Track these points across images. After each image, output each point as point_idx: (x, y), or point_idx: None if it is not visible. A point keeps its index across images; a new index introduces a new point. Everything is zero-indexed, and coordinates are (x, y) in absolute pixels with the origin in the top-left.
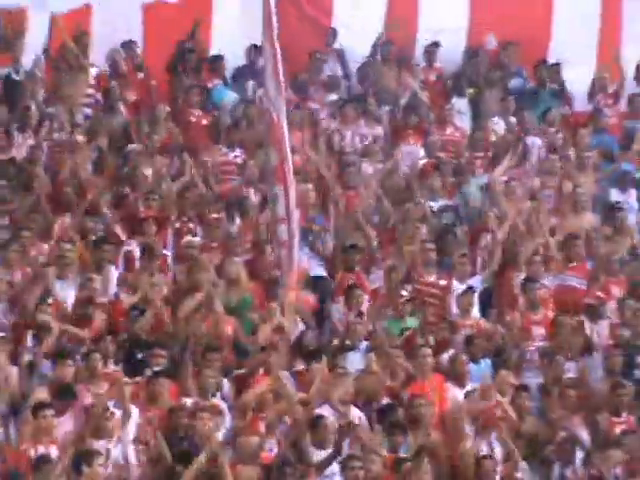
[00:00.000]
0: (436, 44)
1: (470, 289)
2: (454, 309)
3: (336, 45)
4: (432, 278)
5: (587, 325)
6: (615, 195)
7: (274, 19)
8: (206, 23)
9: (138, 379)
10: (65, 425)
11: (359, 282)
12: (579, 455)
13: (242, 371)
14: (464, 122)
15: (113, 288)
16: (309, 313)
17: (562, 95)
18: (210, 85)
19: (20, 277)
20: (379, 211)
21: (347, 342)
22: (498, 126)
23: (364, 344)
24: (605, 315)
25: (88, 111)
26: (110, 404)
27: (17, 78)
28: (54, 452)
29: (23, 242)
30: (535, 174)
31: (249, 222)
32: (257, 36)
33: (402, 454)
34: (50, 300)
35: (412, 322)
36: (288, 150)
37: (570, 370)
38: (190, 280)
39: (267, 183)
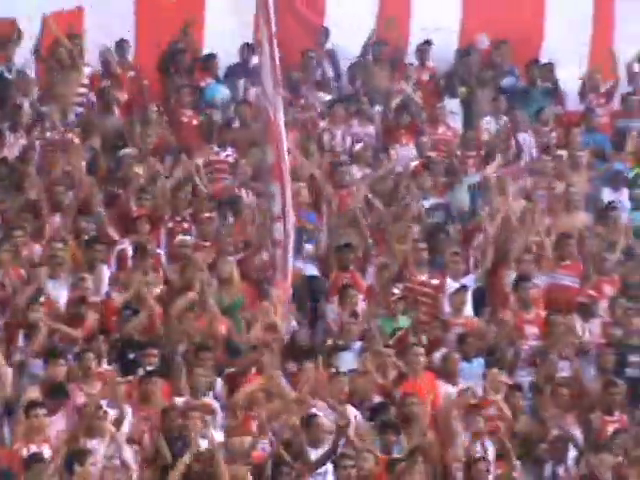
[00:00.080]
0: (428, 43)
1: (463, 288)
2: (446, 308)
3: (328, 45)
4: (424, 277)
5: (579, 324)
6: (607, 194)
7: (272, 17)
8: (199, 21)
9: (130, 378)
10: (57, 424)
11: (354, 281)
12: (571, 454)
13: (234, 370)
14: (456, 122)
15: (105, 287)
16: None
17: (554, 94)
18: (203, 84)
19: (12, 277)
20: (370, 211)
21: (340, 342)
22: (490, 125)
23: (358, 344)
24: (597, 314)
25: (80, 110)
26: (103, 403)
27: (9, 77)
28: (46, 451)
29: (15, 242)
30: (528, 174)
31: (242, 221)
32: (249, 34)
33: (395, 454)
34: (42, 299)
35: (404, 321)
36: (285, 148)
37: (563, 369)
38: (183, 279)
39: (263, 181)
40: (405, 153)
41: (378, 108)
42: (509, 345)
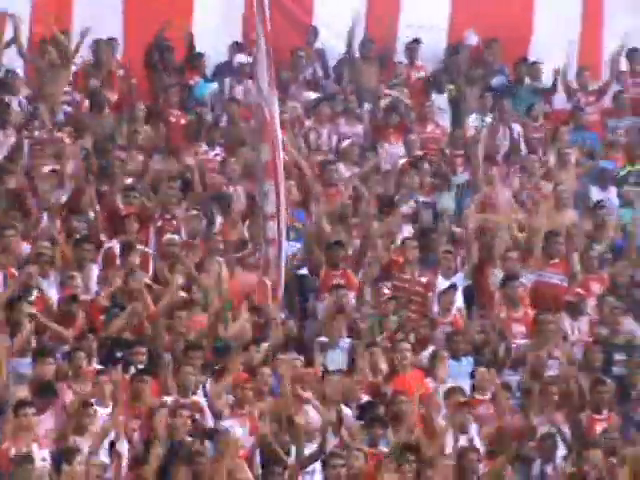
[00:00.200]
0: (417, 42)
1: (452, 287)
2: (435, 306)
3: (317, 44)
4: (414, 275)
5: (567, 322)
6: (595, 193)
7: (267, 14)
8: (187, 19)
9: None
10: (46, 423)
11: (345, 279)
12: (560, 453)
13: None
14: (445, 119)
15: (94, 286)
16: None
17: (543, 92)
18: (192, 82)
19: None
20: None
21: (326, 339)
22: (476, 123)
23: (346, 342)
24: (585, 312)
25: (68, 109)
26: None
27: None
28: (35, 450)
29: (7, 241)
30: (515, 173)
31: (231, 220)
32: (238, 32)
33: (382, 447)
34: (34, 297)
35: (394, 321)
36: (280, 146)
37: (552, 367)
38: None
39: (257, 180)
40: (394, 151)
41: (367, 107)
42: (497, 343)
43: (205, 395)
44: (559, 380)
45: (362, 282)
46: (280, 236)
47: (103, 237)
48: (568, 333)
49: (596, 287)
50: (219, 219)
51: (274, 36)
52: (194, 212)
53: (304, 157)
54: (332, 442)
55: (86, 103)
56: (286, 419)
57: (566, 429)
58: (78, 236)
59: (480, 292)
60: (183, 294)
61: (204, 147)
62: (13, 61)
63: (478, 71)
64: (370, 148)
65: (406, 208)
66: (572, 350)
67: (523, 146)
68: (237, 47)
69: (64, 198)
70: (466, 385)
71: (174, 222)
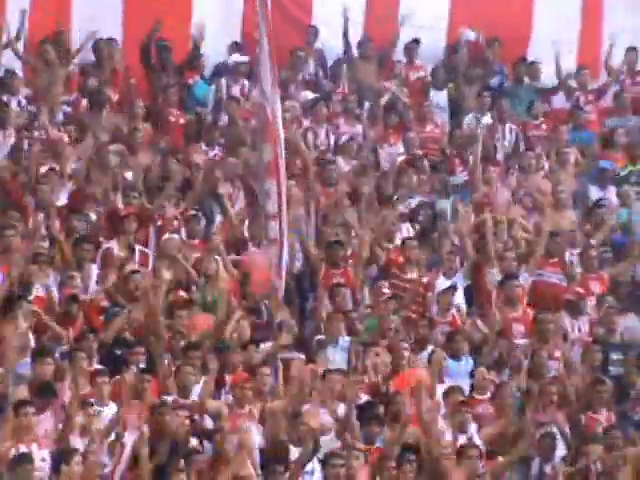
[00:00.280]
0: (417, 42)
1: (452, 288)
2: (435, 306)
3: (317, 44)
4: (414, 275)
5: (567, 320)
6: (594, 192)
7: (270, 14)
8: (186, 18)
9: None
10: (45, 423)
11: (346, 278)
12: (559, 452)
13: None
14: (444, 118)
15: (93, 286)
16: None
17: (542, 92)
18: (191, 81)
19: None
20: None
21: (324, 337)
22: (472, 122)
23: (346, 340)
24: (585, 311)
25: (67, 109)
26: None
27: None
28: (35, 450)
29: (7, 241)
30: (512, 171)
31: (229, 219)
32: (237, 33)
33: (378, 445)
34: (33, 296)
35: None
36: (282, 146)
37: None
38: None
39: (258, 179)
40: (391, 151)
41: (366, 106)
42: (496, 343)
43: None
44: (557, 381)
45: (360, 281)
46: (282, 236)
47: (101, 237)
48: (568, 331)
49: (596, 287)
50: (218, 218)
51: (273, 36)
52: (193, 212)
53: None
54: (334, 442)
55: (84, 102)
56: (291, 419)
57: (566, 429)
58: (77, 236)
59: (478, 292)
60: (183, 294)
61: (204, 147)
62: (12, 61)
63: (477, 70)
64: (370, 148)
65: (404, 208)
66: (571, 350)
67: (522, 146)
68: (236, 47)
69: (64, 198)
70: (466, 385)
71: (174, 222)
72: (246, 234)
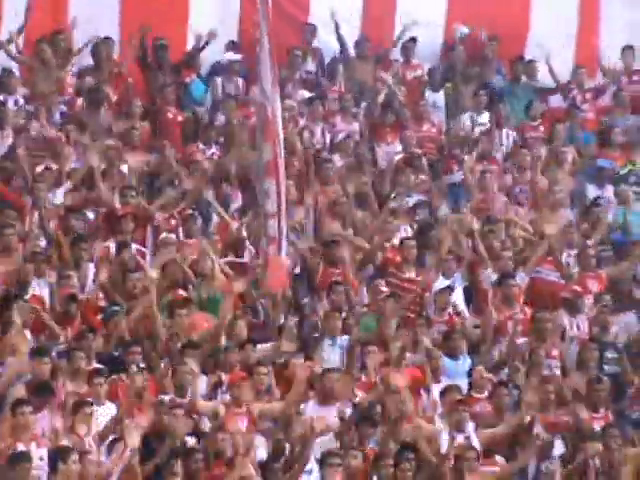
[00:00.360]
0: (414, 40)
1: (448, 288)
2: (431, 306)
3: (315, 43)
4: (411, 274)
5: (566, 318)
6: (592, 191)
7: (270, 13)
8: (182, 17)
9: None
10: (42, 422)
11: (344, 277)
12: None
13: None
14: (440, 117)
15: (90, 286)
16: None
17: (539, 91)
18: (188, 80)
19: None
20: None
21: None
22: (469, 121)
23: (344, 340)
24: (583, 309)
25: (64, 109)
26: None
27: None
28: (33, 449)
29: (6, 240)
30: (505, 170)
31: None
32: (233, 32)
33: (371, 446)
34: (29, 295)
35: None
36: (282, 145)
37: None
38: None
39: (258, 178)
40: (389, 150)
41: (363, 105)
42: (493, 342)
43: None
44: (554, 379)
45: (358, 281)
46: (280, 235)
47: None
48: (567, 329)
49: (594, 285)
50: (215, 218)
51: (271, 35)
52: (189, 211)
53: (299, 155)
54: (332, 442)
55: (79, 102)
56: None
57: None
58: (75, 235)
59: (476, 291)
60: (183, 292)
61: (201, 146)
62: (9, 60)
63: (475, 69)
64: (367, 147)
65: (402, 206)
66: (568, 348)
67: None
68: (233, 46)
69: (61, 197)
70: (463, 384)
71: (172, 221)
72: (244, 234)
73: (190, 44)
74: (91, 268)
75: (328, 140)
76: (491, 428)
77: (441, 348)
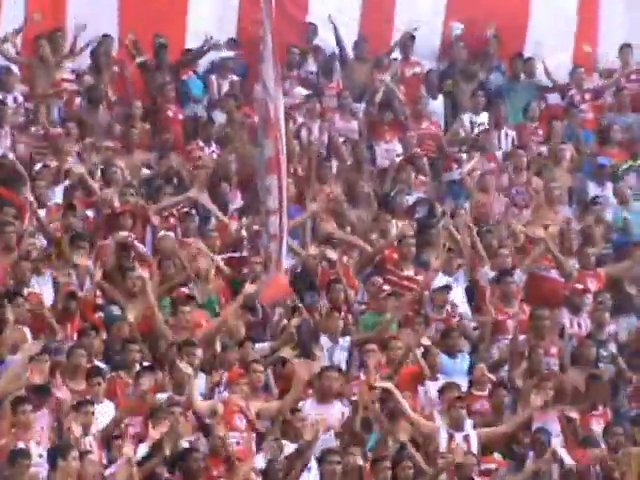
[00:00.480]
0: (412, 38)
1: (446, 287)
2: (429, 304)
3: (316, 42)
4: (410, 272)
5: (567, 317)
6: (592, 189)
7: (273, 11)
8: (181, 15)
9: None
10: (41, 420)
11: (345, 276)
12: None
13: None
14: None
15: (89, 284)
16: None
17: (538, 88)
18: (185, 77)
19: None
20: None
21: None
22: (468, 122)
23: (347, 340)
24: (584, 308)
25: (62, 106)
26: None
27: None
28: (33, 446)
29: (7, 237)
30: (504, 169)
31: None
32: (232, 30)
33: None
34: (26, 293)
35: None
36: (283, 142)
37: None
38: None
39: (259, 175)
40: (387, 148)
41: (362, 104)
42: (491, 340)
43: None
44: (553, 376)
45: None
46: (282, 232)
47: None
48: (567, 326)
49: (592, 284)
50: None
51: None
52: (186, 209)
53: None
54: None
55: (77, 101)
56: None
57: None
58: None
59: (477, 289)
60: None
61: (200, 144)
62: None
63: (475, 67)
64: (366, 145)
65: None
66: (567, 346)
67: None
68: (233, 44)
69: (60, 195)
70: (462, 382)
71: (170, 220)
72: (244, 233)
73: (188, 43)
74: (90, 266)
75: (326, 138)
76: (490, 427)
77: (439, 346)
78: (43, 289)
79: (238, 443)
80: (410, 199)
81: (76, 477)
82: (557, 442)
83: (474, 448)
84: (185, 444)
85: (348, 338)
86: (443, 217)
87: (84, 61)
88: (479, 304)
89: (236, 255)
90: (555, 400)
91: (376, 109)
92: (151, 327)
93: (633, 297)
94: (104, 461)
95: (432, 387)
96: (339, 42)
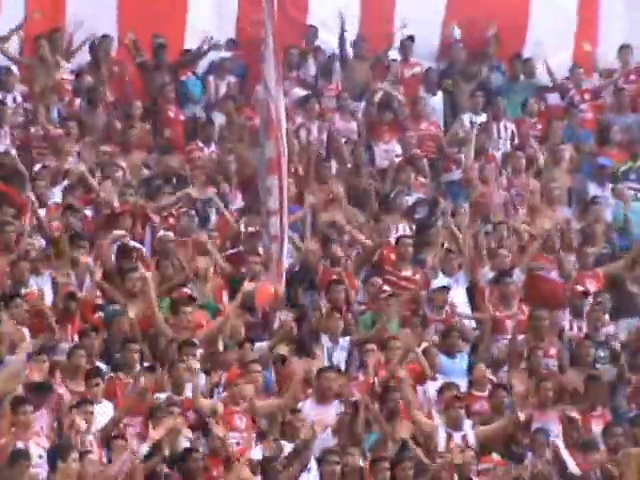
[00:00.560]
0: (411, 39)
1: (444, 288)
2: (427, 305)
3: (317, 43)
4: (408, 272)
5: (567, 319)
6: (593, 189)
7: (275, 12)
8: (181, 16)
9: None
10: (41, 420)
11: (345, 276)
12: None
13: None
14: (438, 118)
15: (88, 283)
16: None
17: (537, 89)
18: (184, 78)
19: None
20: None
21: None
22: (467, 122)
23: (346, 340)
24: (585, 310)
25: (61, 106)
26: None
27: None
28: (32, 447)
29: (7, 237)
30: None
31: (225, 218)
32: (231, 30)
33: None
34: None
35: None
36: (284, 143)
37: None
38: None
39: (260, 176)
40: (387, 148)
41: (361, 104)
42: (490, 340)
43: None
44: (552, 377)
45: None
46: (282, 232)
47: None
48: (566, 328)
49: (591, 284)
50: (214, 216)
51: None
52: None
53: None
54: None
55: (77, 101)
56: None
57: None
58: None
59: (475, 289)
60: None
61: (200, 144)
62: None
63: (474, 67)
64: (365, 145)
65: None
66: (566, 348)
67: (518, 142)
68: (232, 44)
69: (60, 195)
70: (462, 382)
71: (170, 219)
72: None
73: (188, 44)
74: (89, 266)
75: (325, 138)
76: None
77: (438, 346)
78: (42, 289)
79: (238, 443)
80: (410, 200)
81: (76, 479)
82: (559, 444)
83: (471, 455)
84: (185, 444)
85: (348, 338)
86: (443, 217)
87: (84, 58)
88: (478, 305)
89: (235, 251)
90: (555, 400)
91: (375, 110)
92: (151, 326)
93: (635, 296)
94: (104, 460)
95: (431, 387)
96: (342, 41)
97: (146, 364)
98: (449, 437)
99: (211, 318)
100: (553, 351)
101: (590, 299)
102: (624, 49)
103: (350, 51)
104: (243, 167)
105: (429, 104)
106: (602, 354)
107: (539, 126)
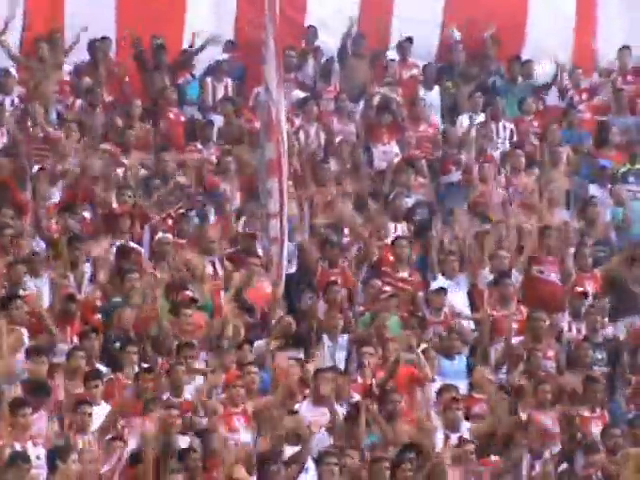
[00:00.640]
0: (410, 40)
1: (442, 289)
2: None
3: (317, 43)
4: (405, 274)
5: (567, 321)
6: (593, 190)
7: (277, 14)
8: (179, 17)
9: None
10: (39, 422)
11: (343, 277)
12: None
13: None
14: (436, 116)
15: (87, 285)
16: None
17: (535, 90)
18: (182, 80)
19: None
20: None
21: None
22: (466, 122)
23: (345, 339)
24: (583, 312)
25: (59, 107)
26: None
27: None
28: (30, 448)
29: (5, 240)
30: (501, 167)
31: (225, 219)
32: (230, 32)
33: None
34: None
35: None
36: (285, 145)
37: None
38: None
39: (260, 178)
40: (385, 150)
41: (359, 105)
42: (490, 342)
43: None
44: (550, 379)
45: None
46: (282, 235)
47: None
48: (564, 330)
49: (590, 286)
50: (212, 217)
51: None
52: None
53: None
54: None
55: (77, 102)
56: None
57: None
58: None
59: (474, 291)
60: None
61: (199, 146)
62: (6, 60)
63: (475, 69)
64: (364, 147)
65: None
66: (564, 350)
67: (517, 141)
68: (230, 46)
69: (57, 196)
70: (461, 384)
71: (169, 221)
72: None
73: (186, 44)
74: (87, 268)
75: (323, 140)
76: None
77: (437, 348)
78: (40, 291)
79: (237, 444)
80: (409, 201)
81: None
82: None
83: (470, 449)
84: (184, 444)
85: (346, 336)
86: (442, 218)
87: (81, 58)
88: (478, 307)
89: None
90: (554, 401)
91: (374, 111)
92: (151, 326)
93: (636, 296)
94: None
95: (429, 388)
96: (345, 40)
97: (145, 365)
98: (446, 438)
99: (209, 319)
100: (551, 353)
101: (589, 300)
102: (623, 50)
103: (349, 49)
104: (242, 168)
105: (427, 101)
106: (599, 356)
107: (535, 123)
